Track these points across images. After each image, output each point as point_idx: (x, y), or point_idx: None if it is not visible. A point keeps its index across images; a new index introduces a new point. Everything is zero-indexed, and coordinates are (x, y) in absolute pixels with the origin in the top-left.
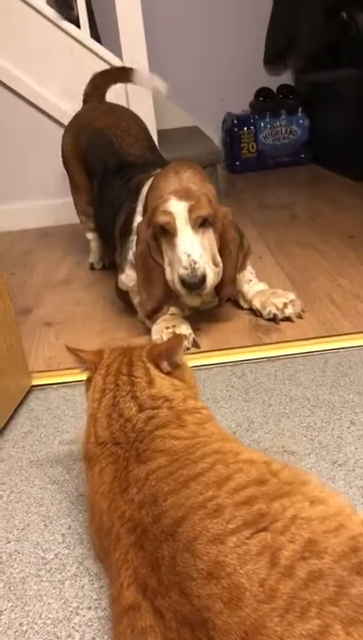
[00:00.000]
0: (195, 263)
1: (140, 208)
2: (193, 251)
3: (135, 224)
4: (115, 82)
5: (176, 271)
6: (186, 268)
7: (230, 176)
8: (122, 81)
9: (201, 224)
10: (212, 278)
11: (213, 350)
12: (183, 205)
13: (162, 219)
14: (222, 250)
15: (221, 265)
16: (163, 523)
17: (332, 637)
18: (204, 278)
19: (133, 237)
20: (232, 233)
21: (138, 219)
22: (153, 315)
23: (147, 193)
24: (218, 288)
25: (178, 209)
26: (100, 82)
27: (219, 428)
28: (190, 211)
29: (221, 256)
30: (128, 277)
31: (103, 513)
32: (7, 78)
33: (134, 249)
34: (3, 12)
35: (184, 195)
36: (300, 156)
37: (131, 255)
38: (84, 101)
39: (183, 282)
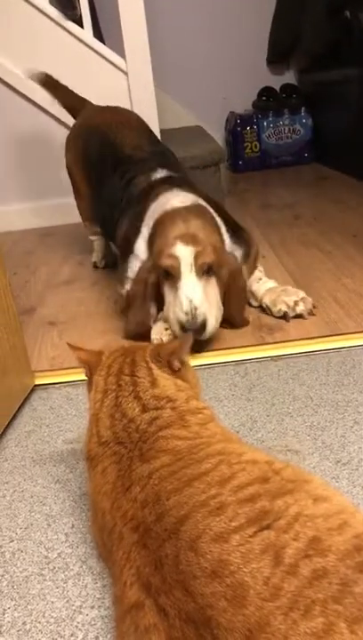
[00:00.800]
0: (196, 309)
1: (144, 232)
2: (195, 296)
3: (137, 245)
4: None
5: (176, 315)
6: (186, 314)
7: (233, 175)
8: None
9: (205, 271)
10: (213, 325)
11: (216, 349)
12: (189, 250)
13: (167, 262)
14: (232, 296)
15: (222, 311)
16: (166, 521)
17: (336, 635)
18: (204, 324)
19: (134, 258)
20: (242, 280)
21: (140, 243)
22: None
23: (151, 234)
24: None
25: (184, 253)
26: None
27: (221, 427)
28: (196, 257)
29: (230, 302)
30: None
31: (106, 512)
32: (9, 77)
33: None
34: (5, 12)
35: (191, 240)
36: (303, 156)
37: (130, 273)
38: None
39: (183, 327)
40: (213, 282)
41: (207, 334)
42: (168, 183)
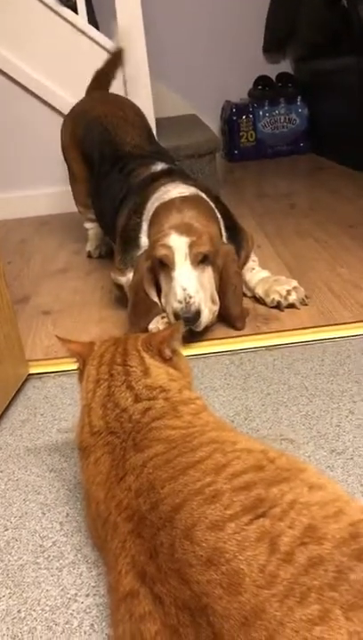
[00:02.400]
0: (190, 297)
1: (144, 226)
2: (189, 285)
3: (139, 236)
4: (114, 69)
5: (171, 304)
6: (180, 302)
7: (229, 165)
8: (117, 64)
9: (201, 261)
10: (206, 316)
11: (211, 339)
12: (184, 241)
13: (161, 252)
14: (226, 286)
15: (218, 304)
16: (160, 510)
17: (332, 622)
18: (198, 313)
19: (136, 249)
20: (234, 268)
21: (143, 238)
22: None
23: (149, 224)
24: (230, 323)
25: (178, 244)
26: (102, 75)
27: (214, 416)
28: (191, 246)
29: (224, 293)
30: (128, 282)
31: (100, 502)
32: (3, 65)
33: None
34: None
35: (185, 230)
36: (299, 145)
37: (130, 264)
38: (88, 91)
39: (176, 315)
40: (208, 271)
41: (202, 324)
42: (169, 174)
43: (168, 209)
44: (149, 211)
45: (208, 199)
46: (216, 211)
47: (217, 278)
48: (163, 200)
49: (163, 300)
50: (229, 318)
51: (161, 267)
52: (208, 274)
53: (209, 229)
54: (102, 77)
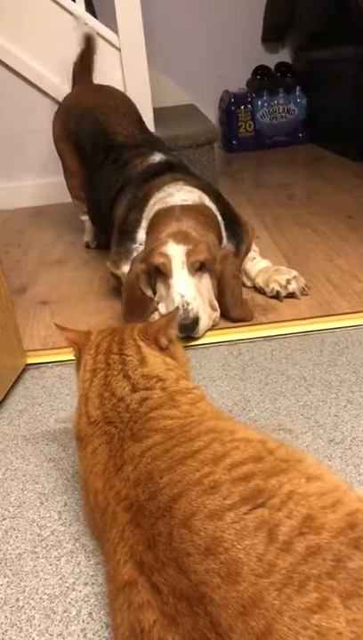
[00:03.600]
0: (188, 304)
1: (144, 223)
2: (187, 292)
3: (137, 232)
4: (89, 56)
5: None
6: (178, 310)
7: (227, 155)
8: (91, 52)
9: (198, 268)
10: (205, 322)
11: (209, 329)
12: (181, 249)
13: (158, 260)
14: (224, 289)
15: (218, 310)
16: (159, 499)
17: (330, 610)
18: (196, 321)
19: (133, 243)
20: (232, 271)
21: (141, 234)
22: None
23: (149, 226)
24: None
25: (175, 252)
26: (79, 65)
27: (212, 406)
28: (188, 254)
29: (223, 296)
30: (123, 275)
31: (98, 492)
32: (2, 54)
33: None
34: None
35: (183, 239)
36: (297, 136)
37: (127, 256)
38: (73, 86)
39: None
40: (206, 278)
41: (200, 331)
42: (171, 169)
43: (168, 216)
44: (151, 210)
45: (209, 201)
46: (217, 214)
47: (216, 284)
48: (165, 204)
49: (159, 307)
50: (231, 321)
51: (158, 274)
52: (206, 281)
53: (207, 238)
54: (83, 70)
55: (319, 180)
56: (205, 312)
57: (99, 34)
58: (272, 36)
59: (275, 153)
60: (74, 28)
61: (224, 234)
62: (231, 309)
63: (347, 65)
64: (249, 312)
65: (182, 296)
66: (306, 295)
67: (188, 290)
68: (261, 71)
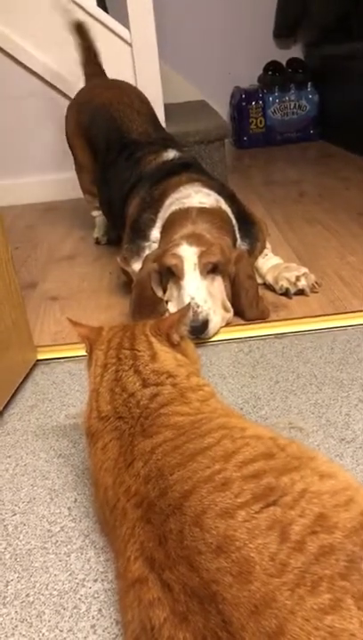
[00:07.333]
0: (198, 307)
1: (159, 224)
2: (197, 294)
3: (151, 230)
4: (89, 45)
5: None
6: (189, 307)
7: (238, 151)
8: (88, 41)
9: (211, 270)
10: (215, 324)
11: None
12: (193, 251)
13: (171, 261)
14: (239, 291)
15: (231, 311)
16: (169, 496)
17: (344, 611)
18: (206, 323)
19: (145, 241)
20: (247, 272)
21: (155, 232)
22: None
23: (163, 227)
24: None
25: (188, 253)
26: (84, 58)
27: (222, 403)
28: (200, 256)
29: (237, 297)
30: (133, 272)
31: (108, 488)
32: (10, 47)
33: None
34: None
35: (196, 241)
36: (309, 132)
37: (139, 253)
38: (86, 80)
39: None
40: (219, 280)
41: (210, 333)
42: (186, 168)
43: (184, 218)
44: (166, 210)
45: (225, 204)
46: (232, 217)
47: (229, 286)
48: (182, 205)
49: (169, 307)
50: (246, 321)
51: (170, 275)
52: (218, 283)
53: (221, 241)
54: (89, 62)
55: (331, 176)
56: (217, 314)
57: (110, 29)
58: (284, 31)
59: (286, 149)
60: (61, 15)
61: (238, 234)
62: (247, 310)
63: (359, 61)
64: (266, 310)
65: (193, 298)
66: (316, 292)
67: (198, 292)
68: (272, 67)
